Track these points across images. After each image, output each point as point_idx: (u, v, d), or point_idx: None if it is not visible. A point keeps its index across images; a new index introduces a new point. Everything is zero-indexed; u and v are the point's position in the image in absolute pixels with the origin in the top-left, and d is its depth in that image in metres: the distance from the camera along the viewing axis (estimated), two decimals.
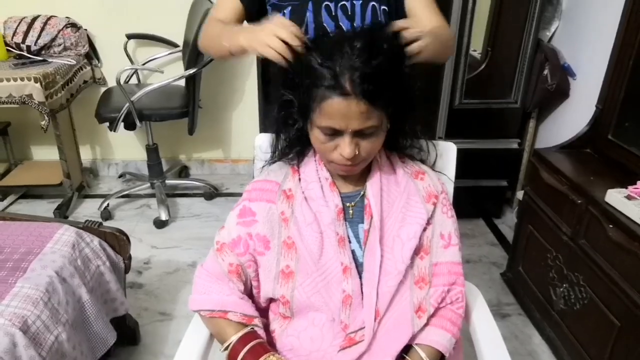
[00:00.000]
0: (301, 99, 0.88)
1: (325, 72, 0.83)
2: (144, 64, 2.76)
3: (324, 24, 1.18)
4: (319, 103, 0.85)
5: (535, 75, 2.31)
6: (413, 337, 0.95)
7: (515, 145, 2.49)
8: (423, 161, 1.08)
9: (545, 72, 2.29)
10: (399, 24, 0.89)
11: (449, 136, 2.36)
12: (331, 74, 0.82)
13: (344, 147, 0.88)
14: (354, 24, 1.18)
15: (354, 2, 1.18)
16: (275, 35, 0.89)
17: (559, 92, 2.32)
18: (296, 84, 0.89)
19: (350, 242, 0.98)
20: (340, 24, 1.18)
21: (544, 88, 2.30)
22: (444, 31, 1.14)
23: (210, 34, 1.18)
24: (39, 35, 2.50)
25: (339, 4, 1.18)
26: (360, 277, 0.96)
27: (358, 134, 0.87)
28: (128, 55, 2.74)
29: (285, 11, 1.19)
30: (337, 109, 0.83)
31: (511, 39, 2.26)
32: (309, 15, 1.18)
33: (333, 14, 1.18)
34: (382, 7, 1.19)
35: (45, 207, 2.71)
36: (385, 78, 0.84)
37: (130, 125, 2.45)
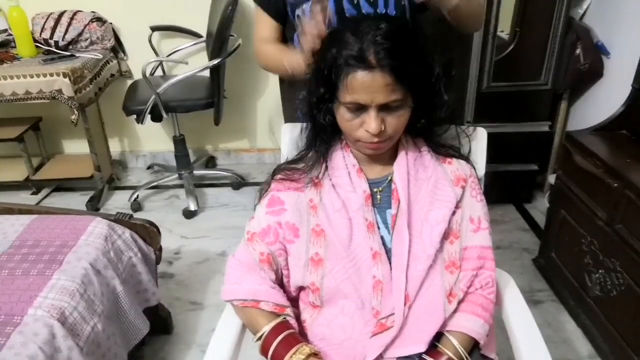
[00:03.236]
0: (327, 78, 0.89)
1: (351, 46, 0.86)
2: (168, 56, 2.77)
3: (347, 15, 1.17)
4: (344, 78, 0.86)
5: (567, 55, 2.23)
6: (444, 324, 0.95)
7: (546, 128, 2.42)
8: (450, 146, 1.06)
9: (578, 51, 2.21)
10: None
11: (477, 120, 2.32)
12: (356, 49, 0.85)
13: (370, 122, 0.88)
14: (377, 10, 1.17)
15: None
16: (307, 34, 0.95)
17: (592, 72, 2.24)
18: (322, 65, 0.90)
19: (379, 227, 0.97)
20: (363, 11, 1.17)
21: (576, 68, 2.23)
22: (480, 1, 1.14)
23: (265, 54, 1.29)
24: (66, 31, 2.53)
25: None
26: (390, 263, 0.96)
27: (383, 109, 0.88)
28: (153, 48, 2.76)
29: (304, 6, 1.18)
30: (362, 82, 0.85)
31: (541, 18, 2.18)
32: (331, 6, 1.16)
33: (355, 2, 1.17)
34: None
35: (78, 200, 2.77)
36: (408, 52, 0.86)
37: (156, 117, 2.48)
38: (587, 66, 2.21)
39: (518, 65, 2.28)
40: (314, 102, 0.94)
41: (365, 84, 0.85)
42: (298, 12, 1.19)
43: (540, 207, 2.55)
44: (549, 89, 2.32)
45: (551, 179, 2.23)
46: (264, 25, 1.28)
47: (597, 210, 1.66)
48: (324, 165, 1.00)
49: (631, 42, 1.99)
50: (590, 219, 1.69)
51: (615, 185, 1.56)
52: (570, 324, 1.84)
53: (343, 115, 0.91)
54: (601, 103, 2.25)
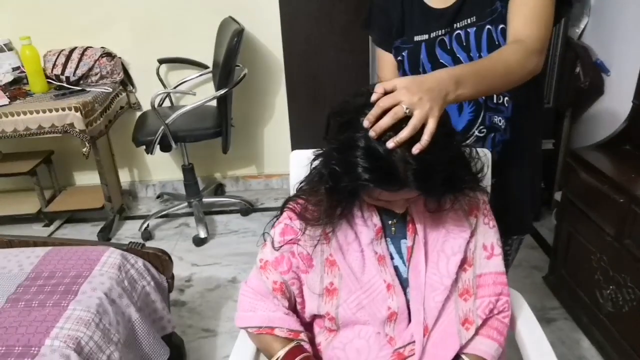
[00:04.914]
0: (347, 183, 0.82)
1: (378, 162, 0.78)
2: (175, 87, 2.84)
3: (441, 61, 1.13)
4: (370, 190, 0.82)
5: (567, 74, 2.27)
6: (460, 347, 0.95)
7: (550, 146, 2.44)
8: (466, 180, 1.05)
9: (577, 70, 2.25)
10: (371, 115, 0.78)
11: None
12: (384, 167, 0.78)
13: (396, 208, 0.90)
14: (470, 54, 1.10)
15: (468, 30, 1.09)
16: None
17: (592, 90, 2.27)
18: (344, 170, 0.82)
19: (392, 258, 0.98)
20: (458, 56, 1.11)
21: (577, 86, 2.26)
22: (506, 58, 0.95)
23: None
24: (77, 66, 2.61)
25: (454, 35, 1.11)
26: (405, 293, 0.97)
27: None
28: (160, 80, 2.82)
29: (403, 54, 1.18)
30: (387, 196, 0.84)
31: None
32: (423, 57, 1.15)
33: (448, 47, 1.12)
34: (500, 26, 1.06)
35: (89, 230, 2.81)
36: (438, 164, 0.80)
37: (166, 147, 2.53)
38: (588, 84, 2.24)
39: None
40: (331, 183, 0.86)
41: (390, 196, 0.84)
42: (399, 57, 1.19)
43: (548, 224, 2.55)
44: (551, 108, 2.35)
45: (557, 196, 2.24)
46: (386, 66, 1.25)
47: (605, 226, 1.66)
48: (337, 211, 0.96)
49: (630, 58, 2.02)
50: (599, 234, 1.70)
51: (621, 200, 1.57)
52: (584, 341, 1.83)
53: (366, 198, 0.89)
54: (603, 120, 2.28)
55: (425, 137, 0.76)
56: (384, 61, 1.25)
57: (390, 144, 0.76)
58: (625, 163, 1.73)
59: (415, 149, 0.76)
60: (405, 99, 0.77)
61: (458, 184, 0.87)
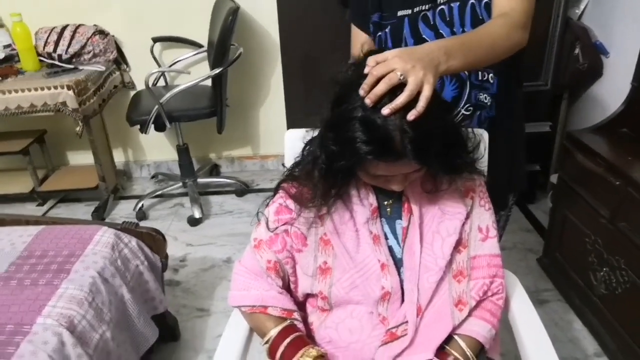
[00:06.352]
0: (345, 152, 0.81)
1: (375, 132, 0.77)
2: (170, 66, 2.80)
3: (424, 37, 1.11)
4: (366, 163, 0.81)
5: (566, 56, 2.25)
6: (453, 328, 0.95)
7: (547, 129, 2.43)
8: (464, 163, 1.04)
9: (576, 51, 2.23)
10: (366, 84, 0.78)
11: None
12: (380, 137, 0.77)
13: (394, 185, 0.88)
14: (454, 29, 1.09)
15: (452, 4, 1.08)
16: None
17: (591, 72, 2.25)
18: (341, 139, 0.81)
19: (387, 238, 0.98)
20: (441, 31, 1.10)
21: (575, 68, 2.24)
22: (493, 31, 0.97)
23: None
24: (69, 44, 2.56)
25: (438, 10, 1.10)
26: (399, 273, 0.96)
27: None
28: (155, 58, 2.78)
29: (386, 30, 1.16)
30: (385, 169, 0.82)
31: (539, 19, 2.16)
32: (406, 32, 1.13)
33: (432, 22, 1.11)
34: (484, 1, 1.06)
35: (83, 210, 2.79)
36: (435, 133, 0.79)
37: (160, 127, 2.50)
38: (586, 66, 2.22)
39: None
40: (327, 164, 0.85)
41: (390, 169, 0.82)
42: (379, 33, 1.17)
43: (543, 207, 2.55)
44: (548, 89, 2.33)
45: (553, 178, 2.24)
46: (360, 44, 1.21)
47: (600, 209, 1.66)
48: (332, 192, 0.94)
49: (629, 40, 2.00)
50: (594, 217, 1.70)
51: (618, 183, 1.57)
52: (576, 322, 1.84)
53: (365, 176, 0.88)
54: (601, 102, 2.26)
55: (421, 104, 0.76)
56: (358, 39, 1.23)
57: (385, 110, 0.76)
58: (623, 146, 1.72)
59: (411, 115, 0.76)
60: (399, 66, 0.77)
61: (455, 160, 0.87)
